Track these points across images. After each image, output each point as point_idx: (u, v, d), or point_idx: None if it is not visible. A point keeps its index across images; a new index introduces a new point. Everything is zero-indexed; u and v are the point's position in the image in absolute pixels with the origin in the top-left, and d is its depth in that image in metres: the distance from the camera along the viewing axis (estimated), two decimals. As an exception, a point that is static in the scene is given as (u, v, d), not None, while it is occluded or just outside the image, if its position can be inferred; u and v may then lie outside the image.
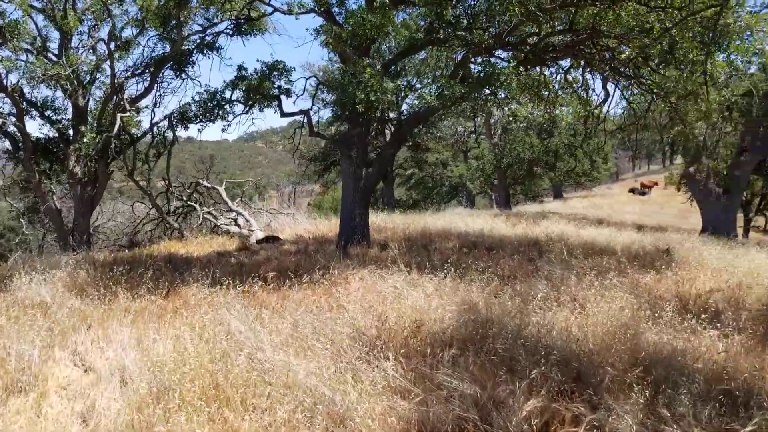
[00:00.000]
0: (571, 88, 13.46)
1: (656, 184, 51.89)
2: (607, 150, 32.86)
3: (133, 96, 16.92)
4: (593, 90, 14.57)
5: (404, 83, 10.27)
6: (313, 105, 13.52)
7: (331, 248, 12.39)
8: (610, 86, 12.37)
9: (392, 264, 9.69)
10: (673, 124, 12.19)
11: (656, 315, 6.22)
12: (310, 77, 12.83)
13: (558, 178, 31.30)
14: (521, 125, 28.49)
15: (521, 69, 9.13)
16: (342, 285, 8.40)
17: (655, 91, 11.61)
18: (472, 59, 10.04)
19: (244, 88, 10.88)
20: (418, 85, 14.35)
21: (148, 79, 16.72)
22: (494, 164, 28.61)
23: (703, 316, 6.05)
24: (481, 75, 8.73)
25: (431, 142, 29.66)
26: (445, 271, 8.15)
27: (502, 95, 8.71)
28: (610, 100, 15.82)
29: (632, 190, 50.80)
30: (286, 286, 8.32)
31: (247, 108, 11.44)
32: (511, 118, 25.69)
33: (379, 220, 17.00)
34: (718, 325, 5.76)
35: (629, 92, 13.44)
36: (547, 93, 12.94)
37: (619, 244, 12.63)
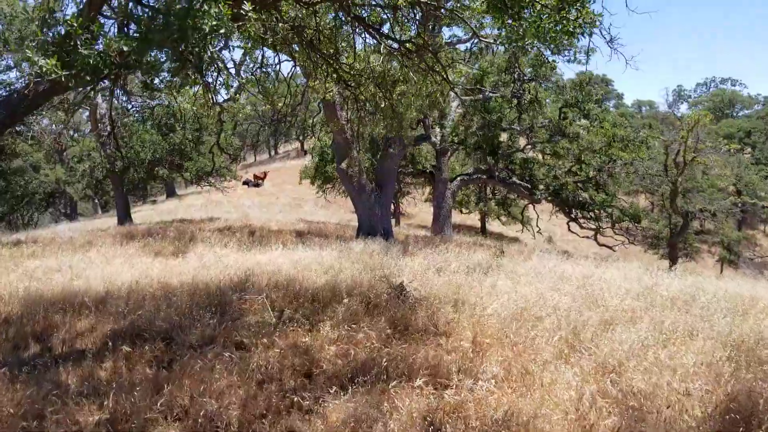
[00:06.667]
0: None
1: (266, 174, 52.52)
2: (236, 144, 29.95)
3: None
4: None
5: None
6: None
7: None
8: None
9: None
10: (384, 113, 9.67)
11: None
12: None
13: (189, 179, 26.79)
14: (136, 119, 22.92)
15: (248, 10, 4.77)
16: None
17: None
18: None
19: None
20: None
21: None
22: (107, 168, 22.29)
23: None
24: (163, 12, 4.15)
25: (19, 145, 21.12)
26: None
27: (208, 56, 4.37)
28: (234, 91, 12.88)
29: (246, 183, 49.90)
30: None
31: None
32: (137, 109, 19.99)
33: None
34: None
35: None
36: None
37: (323, 277, 9.55)
